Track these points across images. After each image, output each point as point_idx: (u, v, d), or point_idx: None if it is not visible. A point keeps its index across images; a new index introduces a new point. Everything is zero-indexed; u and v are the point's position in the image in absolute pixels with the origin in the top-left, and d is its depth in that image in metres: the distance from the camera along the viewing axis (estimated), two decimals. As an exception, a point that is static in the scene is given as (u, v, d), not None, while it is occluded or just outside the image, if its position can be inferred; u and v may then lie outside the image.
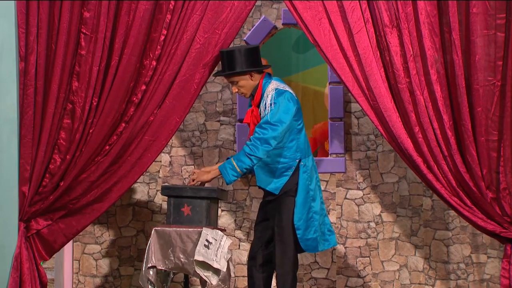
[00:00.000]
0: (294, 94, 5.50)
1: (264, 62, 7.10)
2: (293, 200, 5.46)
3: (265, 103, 5.43)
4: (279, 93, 5.43)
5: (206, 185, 7.01)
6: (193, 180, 5.62)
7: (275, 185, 5.50)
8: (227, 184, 5.51)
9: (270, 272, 5.67)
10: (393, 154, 6.93)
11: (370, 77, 5.42)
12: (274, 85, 5.49)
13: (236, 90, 5.53)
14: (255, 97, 5.52)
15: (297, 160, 5.48)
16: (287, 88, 5.51)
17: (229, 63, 5.44)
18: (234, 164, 5.39)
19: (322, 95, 7.05)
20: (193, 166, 7.08)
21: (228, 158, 5.50)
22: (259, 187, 5.64)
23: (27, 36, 5.41)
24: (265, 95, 5.46)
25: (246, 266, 5.74)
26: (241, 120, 7.02)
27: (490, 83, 5.36)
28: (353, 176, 6.98)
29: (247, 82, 5.49)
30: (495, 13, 5.34)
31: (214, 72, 5.62)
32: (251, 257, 5.71)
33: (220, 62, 5.57)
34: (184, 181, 7.05)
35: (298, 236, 5.43)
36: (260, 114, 5.47)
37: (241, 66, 5.43)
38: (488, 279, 6.88)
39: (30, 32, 5.41)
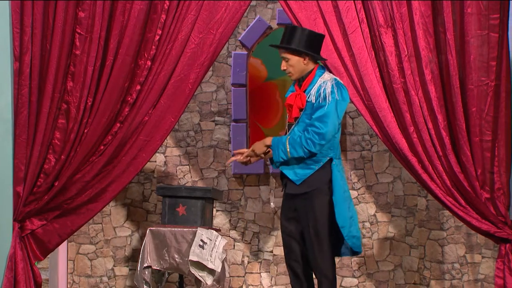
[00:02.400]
0: None
1: (259, 62, 7.12)
2: (328, 199, 5.19)
3: (323, 90, 5.20)
4: (339, 84, 5.22)
5: (201, 185, 7.02)
6: (242, 156, 5.34)
7: (296, 176, 5.24)
8: (274, 161, 5.28)
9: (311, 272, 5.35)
10: (387, 154, 6.93)
11: (365, 77, 5.43)
12: (331, 75, 5.29)
13: (285, 68, 5.30)
14: (303, 82, 5.28)
15: (328, 158, 5.23)
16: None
17: (289, 38, 5.25)
18: (288, 149, 5.18)
19: (317, 95, 7.05)
20: (188, 166, 7.08)
21: (284, 137, 5.25)
22: (281, 174, 5.32)
23: (22, 36, 5.41)
24: (320, 81, 5.22)
25: (288, 270, 5.36)
26: (236, 120, 7.03)
27: (483, 83, 5.37)
28: (348, 176, 6.99)
29: (298, 63, 5.26)
30: (488, 13, 5.34)
31: (271, 44, 5.44)
32: (293, 258, 5.32)
33: (216, 62, 5.55)
34: (179, 181, 7.06)
35: (344, 234, 5.15)
36: (308, 99, 5.24)
37: (298, 45, 5.23)
38: (483, 279, 6.89)
39: (24, 32, 5.41)
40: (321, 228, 5.16)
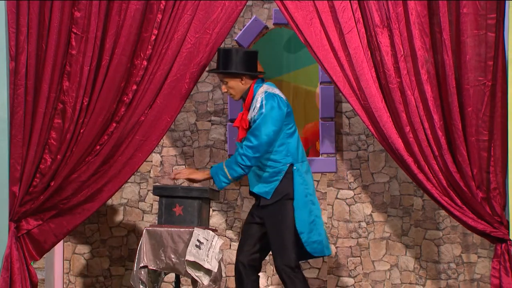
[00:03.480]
0: (284, 98, 5.50)
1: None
2: (292, 204, 5.42)
3: (255, 106, 5.41)
4: (268, 96, 5.41)
5: (198, 185, 7.01)
6: (182, 175, 5.63)
7: (265, 189, 5.47)
8: (218, 189, 5.57)
9: (257, 274, 5.66)
10: (384, 154, 6.93)
11: (361, 77, 5.43)
12: (264, 88, 5.47)
13: (226, 90, 5.52)
14: (246, 100, 5.50)
15: (288, 165, 5.44)
16: (278, 92, 5.49)
17: (224, 62, 5.44)
18: (226, 171, 5.43)
19: (313, 95, 7.06)
20: (184, 166, 7.07)
21: (221, 163, 5.51)
22: (251, 193, 5.61)
23: (18, 36, 5.40)
24: (254, 98, 5.44)
25: (235, 266, 5.70)
26: (232, 120, 7.02)
27: (480, 83, 5.37)
28: (344, 176, 6.99)
29: (237, 85, 5.48)
30: (485, 13, 5.35)
31: (207, 69, 5.61)
32: (242, 257, 5.65)
33: (214, 62, 5.57)
34: (176, 181, 7.05)
35: (303, 240, 5.38)
36: (249, 117, 5.45)
37: (235, 68, 5.43)
38: (479, 279, 6.89)
39: (20, 32, 5.40)
40: (286, 233, 5.39)
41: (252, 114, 5.42)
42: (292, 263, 5.42)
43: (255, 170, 5.51)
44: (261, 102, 5.39)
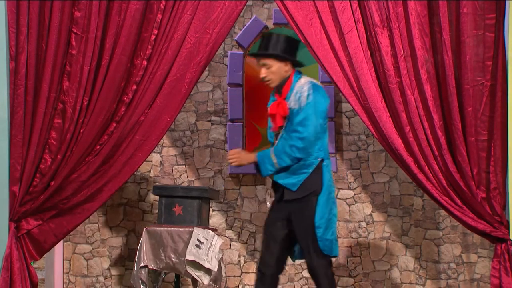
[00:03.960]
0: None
1: (255, 61, 7.11)
2: (316, 199, 5.25)
3: (300, 95, 5.24)
4: (315, 86, 5.27)
5: (197, 185, 7.02)
6: (233, 161, 5.36)
7: (292, 181, 5.27)
8: (262, 176, 5.37)
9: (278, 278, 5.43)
10: (384, 154, 6.94)
11: (361, 77, 5.43)
12: (307, 79, 5.32)
13: (265, 75, 5.32)
14: (283, 89, 5.32)
15: (319, 159, 5.27)
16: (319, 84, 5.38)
17: (267, 45, 5.28)
18: (274, 160, 5.23)
19: (313, 95, 7.05)
20: (184, 166, 7.08)
21: (267, 150, 5.30)
22: (274, 184, 5.38)
23: (18, 36, 5.40)
24: (297, 86, 5.27)
25: (256, 271, 5.40)
26: (232, 120, 7.02)
27: (479, 83, 5.37)
28: (344, 176, 6.99)
29: (279, 70, 5.30)
30: (484, 13, 5.35)
31: (249, 52, 5.45)
32: (266, 264, 5.34)
33: (214, 62, 5.55)
34: (176, 181, 7.06)
35: (318, 234, 5.21)
36: (289, 105, 5.27)
37: (283, 52, 5.27)
38: (479, 279, 6.90)
39: (20, 32, 5.40)
40: (309, 225, 5.21)
41: (296, 102, 5.24)
42: (326, 262, 5.25)
43: None
44: (308, 91, 5.23)
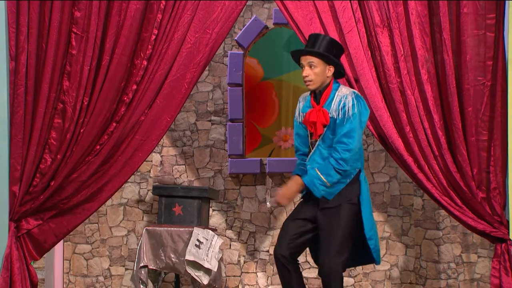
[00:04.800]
0: None
1: (255, 61, 7.12)
2: (356, 209, 5.15)
3: (344, 105, 5.13)
4: (358, 97, 5.17)
5: (197, 184, 7.02)
6: (283, 199, 5.22)
7: (330, 190, 5.16)
8: (317, 197, 5.15)
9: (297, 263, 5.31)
10: (384, 153, 6.94)
11: (361, 76, 5.43)
12: (348, 88, 5.23)
13: (307, 74, 5.17)
14: (322, 96, 5.19)
15: (357, 170, 5.20)
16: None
17: (317, 44, 5.16)
18: (324, 179, 5.10)
19: (313, 95, 7.05)
20: (184, 166, 7.07)
21: (313, 171, 5.16)
22: (310, 192, 5.22)
23: (18, 36, 5.40)
24: (338, 95, 5.17)
25: (276, 261, 5.27)
26: (232, 120, 7.02)
27: (480, 83, 5.37)
28: (344, 175, 6.99)
29: (323, 73, 5.18)
30: (485, 13, 5.35)
31: (295, 50, 5.21)
32: (283, 250, 5.21)
33: (214, 62, 5.54)
34: (176, 181, 7.05)
35: (371, 246, 5.15)
36: (331, 114, 5.15)
37: (331, 54, 5.16)
38: (479, 279, 6.90)
39: (20, 32, 5.40)
40: (346, 238, 5.12)
41: (338, 112, 5.14)
42: (341, 267, 5.13)
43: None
44: (353, 101, 5.13)
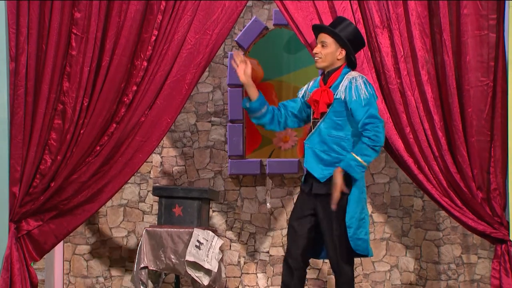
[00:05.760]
0: None
1: (255, 62, 7.12)
2: (346, 197, 5.10)
3: (355, 86, 5.09)
4: (367, 81, 5.16)
5: (197, 185, 7.01)
6: (336, 198, 5.11)
7: (323, 172, 5.14)
8: (356, 179, 5.10)
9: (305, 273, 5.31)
10: (384, 154, 6.93)
11: (361, 77, 5.43)
12: (358, 73, 5.20)
13: (318, 52, 5.18)
14: (329, 78, 5.18)
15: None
16: None
17: (338, 26, 5.17)
18: (360, 160, 5.04)
19: (313, 96, 7.05)
20: (184, 167, 7.07)
21: (349, 156, 5.09)
22: (307, 174, 5.22)
23: (18, 37, 5.40)
24: (348, 77, 5.13)
25: (283, 265, 5.26)
26: (232, 121, 7.02)
27: (483, 83, 5.37)
28: (344, 176, 6.98)
29: (333, 52, 5.17)
30: (487, 13, 5.35)
31: (315, 24, 5.23)
32: (292, 256, 5.22)
33: (215, 63, 5.54)
34: (176, 182, 7.05)
35: (349, 234, 5.05)
36: (337, 95, 5.12)
37: (345, 37, 5.15)
38: (479, 280, 6.89)
39: (20, 33, 5.40)
40: (342, 227, 5.09)
41: (347, 93, 5.09)
42: (349, 258, 5.13)
43: (317, 151, 5.18)
44: (365, 84, 5.11)
